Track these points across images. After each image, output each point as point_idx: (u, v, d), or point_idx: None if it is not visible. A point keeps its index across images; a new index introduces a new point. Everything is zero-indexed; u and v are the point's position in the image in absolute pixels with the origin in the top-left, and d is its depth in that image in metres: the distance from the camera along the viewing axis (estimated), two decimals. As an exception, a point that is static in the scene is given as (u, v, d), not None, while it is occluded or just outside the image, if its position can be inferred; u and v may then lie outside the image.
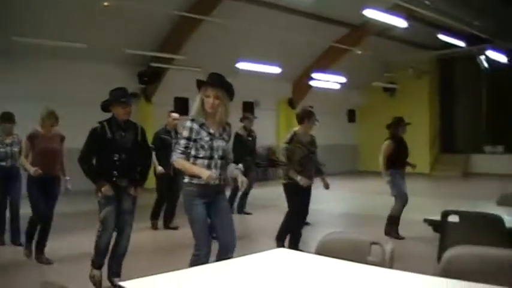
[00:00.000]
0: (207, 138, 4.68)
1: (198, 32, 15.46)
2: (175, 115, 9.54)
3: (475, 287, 2.41)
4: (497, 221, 4.22)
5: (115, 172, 5.51)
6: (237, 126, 10.08)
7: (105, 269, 5.79)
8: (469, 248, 2.86)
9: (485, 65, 18.35)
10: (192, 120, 4.71)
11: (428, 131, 22.67)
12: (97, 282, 5.68)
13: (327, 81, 20.30)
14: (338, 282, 2.67)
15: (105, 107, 5.65)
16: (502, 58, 18.72)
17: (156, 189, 9.61)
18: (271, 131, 20.48)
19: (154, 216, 9.63)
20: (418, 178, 18.12)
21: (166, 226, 9.57)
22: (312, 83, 20.42)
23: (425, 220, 5.06)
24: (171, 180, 9.18)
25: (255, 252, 3.25)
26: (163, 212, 9.68)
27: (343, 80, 20.39)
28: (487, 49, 18.01)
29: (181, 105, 15.92)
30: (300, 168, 7.00)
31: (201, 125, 4.68)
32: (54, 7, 13.00)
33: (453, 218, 4.57)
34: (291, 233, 7.32)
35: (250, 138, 10.68)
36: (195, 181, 4.68)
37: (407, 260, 5.04)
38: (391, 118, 8.97)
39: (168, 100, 17.02)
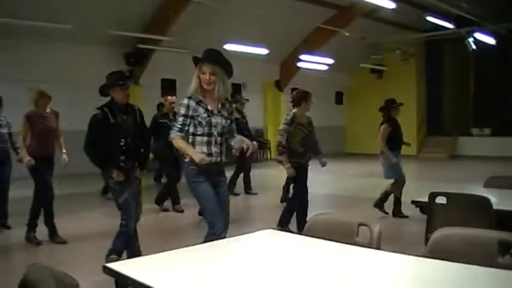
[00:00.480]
0: (205, 115, 4.63)
1: (185, 13, 15.35)
2: (171, 98, 9.54)
3: (461, 268, 2.42)
4: (485, 202, 4.23)
5: (122, 157, 5.46)
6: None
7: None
8: (456, 229, 2.88)
9: (473, 47, 18.35)
10: (189, 97, 4.67)
11: (415, 113, 22.74)
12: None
13: (314, 62, 20.28)
14: (326, 262, 2.67)
15: (104, 91, 5.57)
16: (490, 40, 18.76)
17: (165, 174, 9.67)
18: (259, 113, 20.46)
19: (175, 201, 9.61)
20: (405, 160, 18.20)
21: (174, 209, 9.58)
22: (299, 64, 20.39)
23: (413, 202, 5.07)
24: (176, 163, 9.14)
25: (244, 232, 3.25)
26: (158, 193, 9.75)
27: (330, 61, 20.39)
28: (475, 31, 18.01)
29: (169, 87, 15.85)
30: (302, 149, 7.10)
31: (198, 102, 4.64)
32: (38, -13, 12.85)
33: (440, 200, 4.59)
34: (297, 216, 7.34)
35: (244, 121, 10.67)
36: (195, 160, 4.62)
37: (395, 241, 5.07)
38: (378, 100, 9.02)
39: (155, 82, 16.98)
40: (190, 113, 4.64)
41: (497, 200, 4.37)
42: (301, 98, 7.23)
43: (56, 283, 1.68)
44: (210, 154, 4.66)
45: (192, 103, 4.65)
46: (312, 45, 20.10)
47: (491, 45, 18.99)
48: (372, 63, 22.69)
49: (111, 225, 6.12)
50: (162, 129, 9.13)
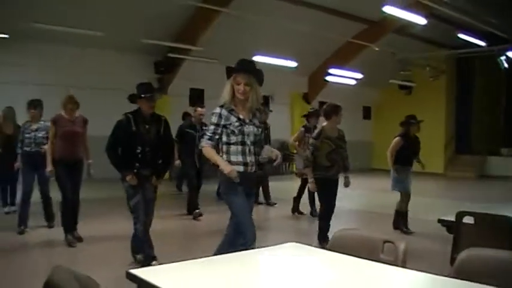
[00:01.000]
0: (237, 124, 4.67)
1: (215, 24, 15.45)
2: (201, 110, 9.66)
3: (488, 290, 2.36)
4: (513, 223, 4.16)
5: (137, 164, 5.72)
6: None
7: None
8: (484, 251, 2.81)
9: (505, 65, 18.09)
10: (221, 106, 4.70)
11: (444, 131, 22.51)
12: (144, 265, 5.78)
13: (343, 77, 20.21)
14: (350, 278, 2.63)
15: (132, 100, 5.84)
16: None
17: (186, 182, 9.88)
18: (285, 126, 20.41)
19: (189, 209, 9.76)
20: (431, 178, 18.01)
21: (190, 212, 9.75)
22: (328, 78, 20.33)
23: (440, 221, 5.00)
24: (197, 172, 9.54)
25: (266, 244, 3.23)
26: (187, 201, 9.90)
27: (359, 76, 20.30)
28: (508, 50, 17.77)
29: (197, 96, 15.93)
30: (328, 163, 7.09)
31: (230, 111, 4.67)
32: (72, -6, 13.06)
33: (468, 220, 4.52)
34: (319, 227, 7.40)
35: (266, 132, 10.66)
36: (234, 168, 4.65)
37: (420, 260, 4.99)
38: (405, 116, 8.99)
39: (183, 91, 17.09)
40: (223, 122, 4.67)
41: (526, 221, 4.28)
42: (331, 112, 7.23)
43: (79, 286, 1.68)
44: (245, 164, 4.70)
45: (224, 112, 4.68)
46: (341, 59, 20.05)
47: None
48: (401, 79, 22.52)
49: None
50: (188, 139, 9.34)
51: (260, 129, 4.85)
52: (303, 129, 10.13)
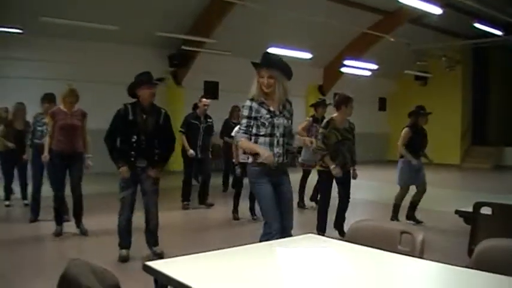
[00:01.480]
0: (267, 116, 4.72)
1: (229, 16, 15.43)
2: (205, 100, 9.64)
3: (507, 281, 2.34)
4: (532, 214, 4.12)
5: (133, 153, 5.77)
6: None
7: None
8: (502, 241, 2.77)
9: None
10: (251, 99, 4.76)
11: (460, 122, 22.34)
12: (124, 260, 5.94)
13: (358, 68, 20.12)
14: (367, 269, 2.62)
15: (131, 90, 5.86)
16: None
17: (184, 171, 9.83)
18: (301, 117, 20.33)
19: (184, 198, 9.88)
20: (448, 169, 17.90)
21: (202, 203, 9.99)
22: (343, 69, 20.25)
23: (457, 212, 4.97)
24: (199, 163, 9.51)
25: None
26: (198, 192, 10.07)
27: (374, 67, 20.18)
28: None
29: (211, 89, 15.94)
30: (333, 154, 7.04)
31: (261, 104, 4.73)
32: (86, -12, 13.11)
33: (486, 210, 4.48)
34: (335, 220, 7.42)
35: None
36: (259, 160, 4.69)
37: (438, 251, 4.95)
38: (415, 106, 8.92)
39: (198, 84, 17.09)
40: (253, 114, 4.72)
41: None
42: (341, 102, 7.19)
43: (96, 279, 1.68)
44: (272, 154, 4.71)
45: (255, 105, 4.73)
46: (356, 50, 19.96)
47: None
48: (417, 69, 22.36)
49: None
50: (192, 130, 9.42)
51: (290, 121, 4.90)
52: (310, 119, 10.05)
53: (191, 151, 9.46)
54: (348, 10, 17.18)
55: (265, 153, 4.58)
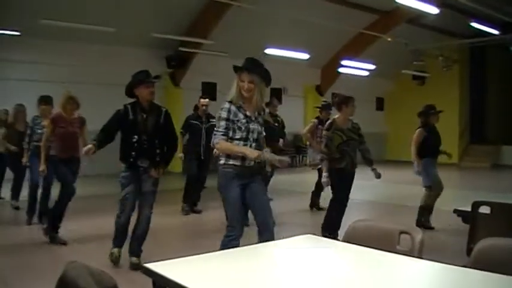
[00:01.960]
0: (244, 120, 4.70)
1: (227, 17, 15.43)
2: (203, 101, 9.58)
3: (506, 280, 2.33)
4: (530, 213, 4.12)
5: (133, 153, 5.67)
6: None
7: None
8: (501, 240, 2.77)
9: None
10: (230, 102, 4.74)
11: (457, 121, 22.35)
12: (114, 259, 5.85)
13: (355, 68, 20.13)
14: (365, 270, 2.61)
15: (129, 90, 5.77)
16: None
17: (187, 174, 9.79)
18: (298, 118, 20.38)
19: (184, 200, 9.72)
20: (446, 169, 17.89)
21: (192, 210, 9.68)
22: (340, 70, 20.27)
23: (455, 211, 4.96)
24: (200, 164, 9.40)
25: (280, 237, 3.22)
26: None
27: (372, 67, 20.20)
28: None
29: (209, 90, 15.93)
30: (338, 155, 7.02)
31: (239, 107, 4.71)
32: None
33: (484, 209, 4.47)
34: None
35: (276, 124, 10.59)
36: (231, 162, 4.70)
37: (436, 251, 4.95)
38: (419, 107, 8.83)
39: (196, 85, 17.08)
40: (231, 117, 4.69)
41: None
42: (341, 103, 7.18)
43: (94, 281, 1.68)
44: (244, 158, 4.67)
45: (233, 108, 4.71)
46: (353, 50, 19.98)
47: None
48: (414, 69, 22.38)
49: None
50: (194, 130, 9.35)
51: (262, 127, 4.87)
52: (315, 120, 10.06)
53: (181, 154, 9.44)
54: (345, 10, 17.19)
55: (254, 154, 4.56)
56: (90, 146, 5.60)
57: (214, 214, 9.28)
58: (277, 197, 11.04)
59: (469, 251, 4.39)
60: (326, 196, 9.87)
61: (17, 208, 9.53)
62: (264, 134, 4.96)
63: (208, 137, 9.53)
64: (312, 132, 10.07)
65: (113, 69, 14.88)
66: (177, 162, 9.85)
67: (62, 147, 7.07)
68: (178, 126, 9.50)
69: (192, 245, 7.37)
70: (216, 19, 15.57)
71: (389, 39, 18.48)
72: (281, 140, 10.34)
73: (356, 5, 17.46)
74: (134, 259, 5.81)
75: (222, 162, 4.78)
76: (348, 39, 20.14)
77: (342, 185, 7.16)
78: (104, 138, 5.70)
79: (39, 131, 8.18)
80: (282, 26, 16.62)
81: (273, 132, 10.06)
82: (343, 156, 7.05)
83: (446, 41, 20.54)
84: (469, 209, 4.63)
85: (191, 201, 9.71)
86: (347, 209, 7.42)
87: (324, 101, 11.09)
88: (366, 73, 20.83)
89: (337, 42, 20.14)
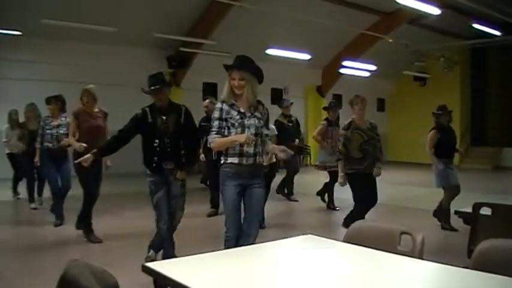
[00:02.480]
0: (238, 117, 4.72)
1: (228, 17, 15.43)
2: (204, 102, 9.60)
3: (508, 281, 2.33)
4: (531, 214, 4.11)
5: (155, 158, 5.51)
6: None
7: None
8: (502, 241, 2.76)
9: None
10: (222, 101, 4.79)
11: (459, 122, 22.28)
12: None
13: (356, 69, 20.13)
14: (365, 270, 2.61)
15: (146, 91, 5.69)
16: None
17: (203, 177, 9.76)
18: (299, 118, 20.33)
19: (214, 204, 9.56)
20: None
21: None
22: (341, 70, 20.27)
23: (457, 212, 4.97)
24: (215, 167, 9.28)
25: (285, 237, 3.23)
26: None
27: (373, 68, 20.19)
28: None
29: (210, 90, 15.94)
30: (360, 155, 7.03)
31: (231, 105, 4.75)
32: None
33: (485, 211, 4.47)
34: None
35: (290, 124, 10.57)
36: (229, 160, 4.74)
37: (437, 252, 4.96)
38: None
39: (197, 85, 17.10)
40: (224, 115, 4.74)
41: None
42: (350, 103, 7.35)
43: (95, 280, 1.68)
44: (241, 154, 4.71)
45: (225, 106, 4.76)
46: (354, 51, 19.97)
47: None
48: (415, 70, 22.37)
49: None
50: (203, 132, 9.30)
51: (262, 122, 4.85)
52: (325, 122, 10.05)
53: (202, 155, 9.39)
54: (346, 11, 17.18)
55: (241, 137, 4.59)
56: (88, 156, 5.53)
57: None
58: (277, 198, 11.08)
59: (469, 252, 4.40)
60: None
61: (34, 209, 9.64)
62: (276, 132, 4.98)
63: None
64: (322, 134, 10.02)
65: (114, 69, 14.94)
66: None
67: (88, 142, 6.92)
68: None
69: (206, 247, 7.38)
70: (217, 19, 15.57)
71: (390, 40, 18.48)
72: (296, 140, 10.40)
73: (357, 5, 17.44)
74: (151, 253, 5.76)
75: (222, 161, 4.82)
76: (349, 40, 20.14)
77: (363, 188, 7.13)
78: (114, 145, 5.69)
79: (48, 131, 8.22)
80: (283, 27, 16.63)
81: (287, 132, 10.10)
82: (365, 156, 7.06)
83: (447, 42, 20.52)
84: (470, 210, 4.64)
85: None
86: (348, 210, 7.43)
87: (332, 102, 11.09)
88: (367, 74, 20.82)
89: (338, 43, 20.13)
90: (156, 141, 5.49)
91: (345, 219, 7.55)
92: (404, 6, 13.91)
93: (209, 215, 9.37)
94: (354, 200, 7.40)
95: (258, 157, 4.81)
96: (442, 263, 2.63)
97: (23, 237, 7.62)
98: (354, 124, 7.15)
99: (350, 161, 7.09)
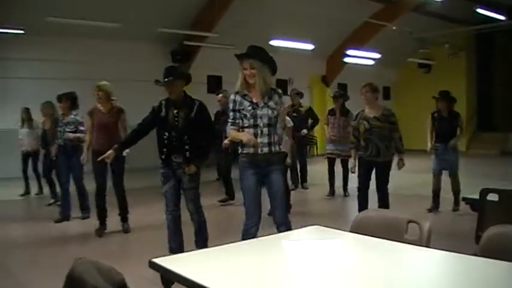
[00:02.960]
0: (249, 108, 4.80)
1: (231, 10, 15.38)
2: (218, 96, 9.99)
3: (516, 267, 2.32)
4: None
5: (164, 150, 5.55)
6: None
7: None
8: (510, 227, 2.75)
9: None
10: (236, 93, 4.88)
11: (465, 108, 22.18)
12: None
13: (361, 57, 20.05)
14: (373, 259, 2.60)
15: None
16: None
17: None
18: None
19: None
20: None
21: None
22: (346, 59, 20.19)
23: (464, 198, 4.95)
24: (226, 156, 9.47)
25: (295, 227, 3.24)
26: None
27: (377, 56, 20.10)
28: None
29: (215, 83, 15.92)
30: (364, 143, 7.17)
31: (243, 96, 4.83)
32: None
33: (492, 197, 4.45)
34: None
35: (295, 114, 10.59)
36: (245, 151, 4.85)
37: (445, 239, 4.94)
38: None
39: (201, 78, 17.06)
40: (237, 107, 4.84)
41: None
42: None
43: (102, 277, 1.68)
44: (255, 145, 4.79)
45: (238, 97, 4.84)
46: (358, 39, 19.88)
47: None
48: (420, 57, 22.26)
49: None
50: (218, 124, 9.56)
51: (276, 112, 4.86)
52: (327, 112, 10.64)
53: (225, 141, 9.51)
54: None
55: (245, 137, 4.70)
56: (110, 152, 5.69)
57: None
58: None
59: (477, 238, 4.38)
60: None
61: (49, 205, 9.79)
62: (292, 124, 5.00)
63: (226, 131, 9.55)
64: (327, 123, 10.51)
65: (119, 65, 14.91)
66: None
67: (96, 139, 7.25)
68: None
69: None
70: (221, 12, 15.52)
71: (394, 27, 18.38)
72: (303, 131, 10.51)
73: (360, -6, 17.38)
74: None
75: (239, 152, 4.94)
76: (352, 29, 20.04)
77: (361, 172, 7.30)
78: (132, 139, 5.86)
79: (59, 128, 8.38)
80: (287, 17, 16.57)
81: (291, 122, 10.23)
82: (367, 145, 7.14)
83: (452, 29, 20.37)
84: (477, 196, 4.62)
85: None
86: (355, 199, 7.44)
87: (336, 92, 11.21)
88: (372, 62, 20.74)
89: (342, 32, 20.05)
90: (166, 134, 5.53)
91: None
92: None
93: (221, 200, 9.65)
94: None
95: (272, 146, 4.86)
96: (450, 250, 2.62)
97: (32, 232, 7.72)
98: (361, 114, 7.26)
99: (358, 149, 7.31)
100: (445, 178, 8.76)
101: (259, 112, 4.80)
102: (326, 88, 21.16)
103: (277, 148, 4.89)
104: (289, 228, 4.65)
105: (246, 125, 4.81)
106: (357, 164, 7.42)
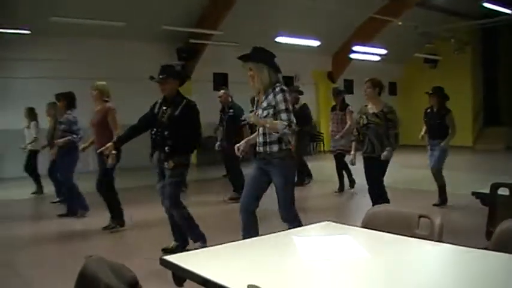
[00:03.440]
0: (253, 109, 5.05)
1: (236, 7, 15.37)
2: (219, 92, 9.82)
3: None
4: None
5: (152, 145, 5.80)
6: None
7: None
8: (523, 221, 2.73)
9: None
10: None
11: (471, 103, 22.12)
12: (169, 252, 5.65)
13: (367, 53, 20.00)
14: (387, 255, 2.59)
15: None
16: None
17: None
18: (311, 105, 20.25)
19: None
20: (461, 151, 17.78)
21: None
22: (351, 55, 20.14)
23: (474, 193, 4.92)
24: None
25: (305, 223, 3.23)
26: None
27: (383, 52, 20.05)
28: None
29: (221, 81, 15.91)
30: (362, 138, 7.23)
31: (253, 99, 5.11)
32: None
33: (503, 191, 4.43)
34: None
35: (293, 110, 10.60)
36: (256, 148, 5.06)
37: (455, 234, 4.91)
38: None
39: (207, 76, 17.07)
40: (253, 107, 5.17)
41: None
42: None
43: (114, 275, 1.67)
44: (258, 144, 4.99)
45: (255, 98, 5.14)
46: (364, 35, 19.83)
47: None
48: (426, 52, 22.18)
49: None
50: (220, 121, 9.68)
51: (266, 111, 4.79)
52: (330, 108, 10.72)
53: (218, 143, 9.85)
54: (355, -5, 17.06)
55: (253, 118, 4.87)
56: (109, 144, 5.89)
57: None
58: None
59: (488, 233, 4.36)
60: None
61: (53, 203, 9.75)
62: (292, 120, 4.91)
63: (227, 128, 9.52)
64: (331, 119, 10.71)
65: (124, 64, 14.93)
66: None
67: (93, 137, 7.45)
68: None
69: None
70: (226, 9, 15.51)
71: (400, 23, 18.32)
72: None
73: (365, -11, 17.33)
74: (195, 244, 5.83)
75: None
76: (358, 25, 19.99)
77: (364, 168, 7.33)
78: (129, 134, 5.96)
79: (59, 127, 8.49)
80: (292, 14, 16.54)
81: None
82: (364, 140, 7.21)
83: (457, 23, 20.27)
84: (487, 191, 4.59)
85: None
86: (364, 194, 7.45)
87: (335, 88, 11.29)
88: (378, 58, 20.69)
89: (348, 28, 20.00)
90: (154, 130, 5.74)
91: None
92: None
93: (231, 198, 9.64)
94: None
95: (267, 146, 4.86)
96: (462, 245, 2.61)
97: (37, 230, 7.78)
98: (362, 109, 7.31)
99: (359, 143, 7.41)
100: (446, 173, 8.73)
101: (258, 113, 4.88)
102: (332, 84, 21.10)
103: (274, 148, 4.85)
104: (295, 225, 4.61)
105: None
106: (356, 156, 7.61)
